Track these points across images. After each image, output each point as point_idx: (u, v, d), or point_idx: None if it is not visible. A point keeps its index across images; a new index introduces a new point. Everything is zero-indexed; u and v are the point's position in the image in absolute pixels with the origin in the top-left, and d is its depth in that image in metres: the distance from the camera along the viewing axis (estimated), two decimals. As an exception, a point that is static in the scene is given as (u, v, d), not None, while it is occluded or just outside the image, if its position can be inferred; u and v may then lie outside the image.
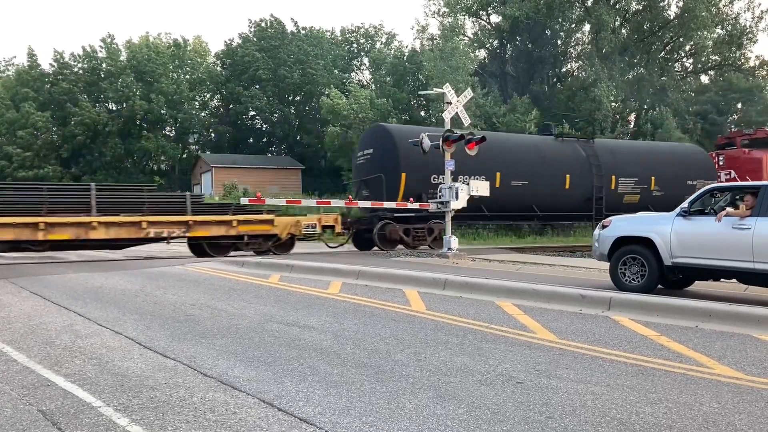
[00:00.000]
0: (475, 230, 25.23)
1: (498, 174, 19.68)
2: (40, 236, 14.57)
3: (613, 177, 22.50)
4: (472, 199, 16.85)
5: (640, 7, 48.12)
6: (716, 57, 50.92)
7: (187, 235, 16.33)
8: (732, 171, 26.75)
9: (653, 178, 23.12)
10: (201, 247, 16.91)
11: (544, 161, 21.21)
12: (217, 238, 16.66)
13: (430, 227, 18.76)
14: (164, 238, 16.19)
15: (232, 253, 16.91)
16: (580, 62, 50.34)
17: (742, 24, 48.46)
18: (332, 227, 17.94)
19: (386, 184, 18.20)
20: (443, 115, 17.06)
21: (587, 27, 49.22)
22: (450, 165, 16.58)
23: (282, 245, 17.48)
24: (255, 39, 57.38)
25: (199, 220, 16.26)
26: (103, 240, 15.57)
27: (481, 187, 16.92)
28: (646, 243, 9.39)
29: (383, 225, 18.05)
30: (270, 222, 17.16)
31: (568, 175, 21.45)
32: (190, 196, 17.01)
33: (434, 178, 18.34)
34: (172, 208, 16.34)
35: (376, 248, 18.32)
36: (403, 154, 18.01)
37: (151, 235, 15.82)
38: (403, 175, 18.02)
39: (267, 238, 17.25)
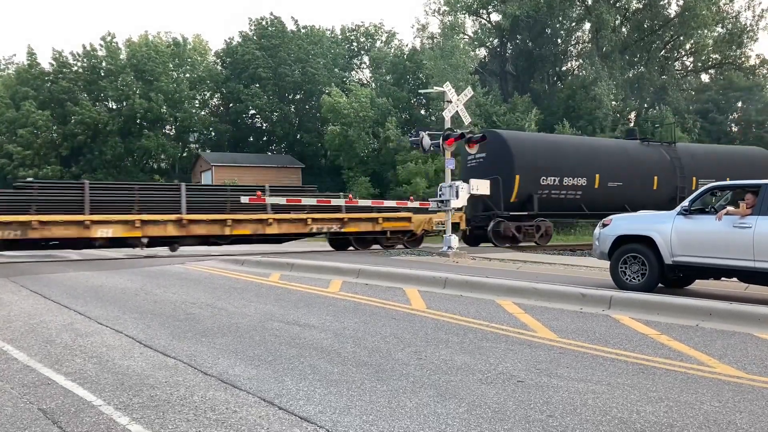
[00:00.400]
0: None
1: (597, 176, 21.52)
2: (227, 231, 16.54)
3: (694, 178, 23.70)
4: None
5: (641, 6, 48.10)
6: (716, 55, 50.90)
7: (342, 230, 18.24)
8: None
9: (728, 178, 23.95)
10: (342, 242, 18.99)
11: (634, 164, 22.83)
12: (363, 234, 18.73)
13: (537, 225, 20.44)
14: (324, 233, 18.42)
15: (374, 246, 19.31)
16: (581, 61, 50.29)
17: (743, 22, 48.46)
18: (458, 224, 19.61)
19: (503, 185, 19.76)
20: (443, 113, 17.04)
21: (587, 26, 49.20)
22: (450, 164, 16.58)
23: (415, 240, 19.66)
24: (255, 37, 57.32)
25: (352, 217, 18.28)
26: (276, 235, 17.57)
27: (481, 186, 16.94)
28: (647, 242, 9.37)
29: (497, 223, 19.74)
30: (408, 219, 19.29)
31: (656, 177, 22.94)
32: (343, 196, 19.43)
33: (543, 179, 20.44)
34: (330, 206, 18.24)
35: (485, 244, 20.27)
36: (518, 158, 20.02)
37: (314, 230, 17.89)
38: (517, 177, 19.88)
39: (403, 234, 19.35)
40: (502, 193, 19.70)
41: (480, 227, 20.32)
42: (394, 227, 18.91)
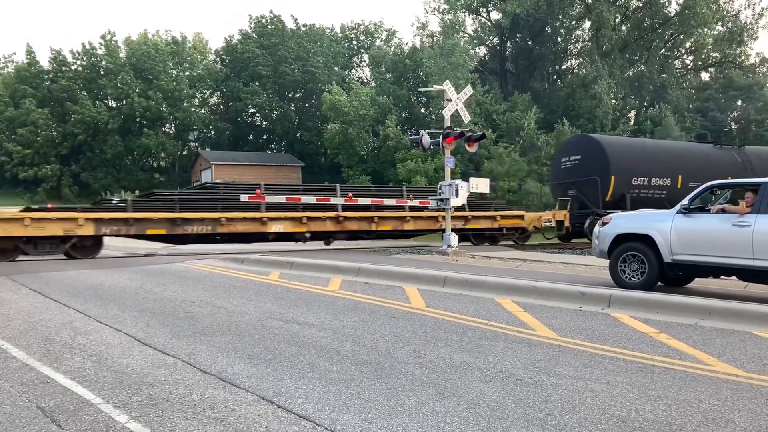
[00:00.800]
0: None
1: (680, 176, 22.73)
2: (373, 227, 18.71)
3: None
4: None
5: (641, 4, 48.09)
6: (716, 54, 50.90)
7: (466, 227, 20.04)
8: None
9: None
10: (460, 238, 20.11)
11: (711, 165, 23.84)
12: (482, 230, 20.63)
13: None
14: (452, 229, 19.83)
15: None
16: (581, 59, 50.30)
17: (743, 21, 48.47)
18: (562, 222, 21.42)
19: (600, 185, 21.21)
20: (443, 112, 17.04)
21: (587, 24, 49.21)
22: (450, 162, 16.58)
23: (525, 236, 21.66)
24: (255, 36, 57.30)
25: (475, 215, 20.19)
26: (410, 230, 19.81)
27: (481, 184, 16.95)
28: (646, 240, 9.37)
29: (594, 220, 20.82)
30: (521, 217, 21.42)
31: (729, 177, 24.46)
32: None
33: (634, 179, 21.69)
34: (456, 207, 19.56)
35: (577, 239, 21.71)
36: (613, 160, 21.24)
37: (443, 227, 18.97)
38: (613, 177, 21.09)
39: (516, 230, 21.25)
40: (600, 193, 21.05)
41: (575, 224, 21.64)
42: (510, 224, 20.87)
